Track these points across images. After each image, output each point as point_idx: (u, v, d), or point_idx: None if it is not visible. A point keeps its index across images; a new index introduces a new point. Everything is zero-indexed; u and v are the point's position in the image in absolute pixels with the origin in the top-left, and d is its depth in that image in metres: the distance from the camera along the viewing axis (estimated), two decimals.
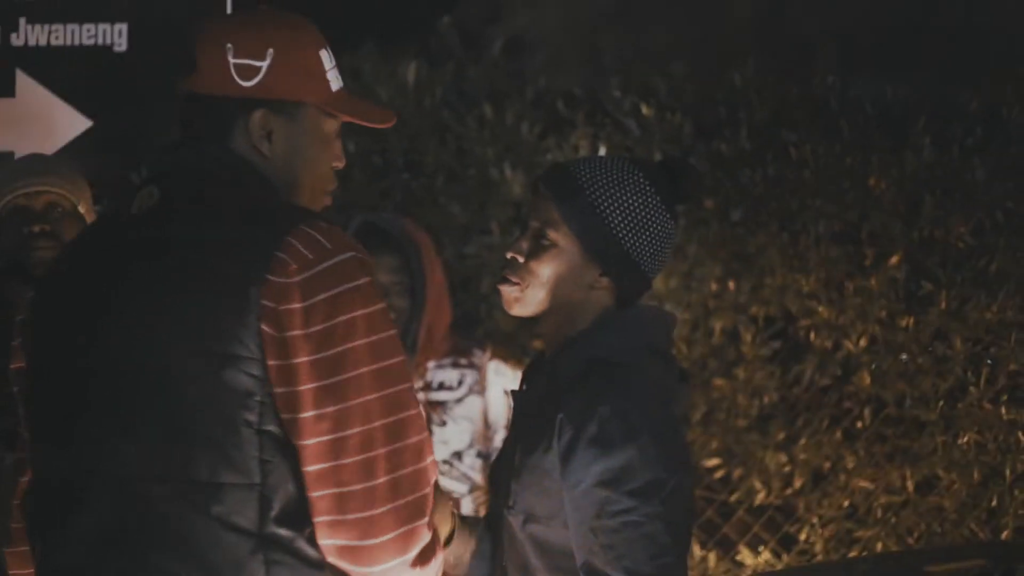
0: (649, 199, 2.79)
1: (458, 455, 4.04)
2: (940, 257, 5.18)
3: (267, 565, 2.51)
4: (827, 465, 5.18)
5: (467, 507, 4.09)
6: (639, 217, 2.77)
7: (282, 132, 2.68)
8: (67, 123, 4.55)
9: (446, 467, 4.03)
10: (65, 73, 4.56)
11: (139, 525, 2.54)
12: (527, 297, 2.81)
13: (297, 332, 2.49)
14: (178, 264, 2.56)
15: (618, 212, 2.77)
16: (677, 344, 5.08)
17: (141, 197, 2.64)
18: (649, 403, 2.72)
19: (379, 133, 5.10)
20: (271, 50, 2.66)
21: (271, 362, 2.50)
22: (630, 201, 2.77)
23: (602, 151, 5.15)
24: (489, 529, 2.92)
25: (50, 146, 4.55)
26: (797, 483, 5.18)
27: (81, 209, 3.83)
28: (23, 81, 4.54)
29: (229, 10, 4.35)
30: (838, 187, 5.16)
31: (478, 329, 4.89)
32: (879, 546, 5.15)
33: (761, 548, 5.22)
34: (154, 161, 2.72)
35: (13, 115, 4.53)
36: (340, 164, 2.77)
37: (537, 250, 2.80)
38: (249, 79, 2.66)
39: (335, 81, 2.73)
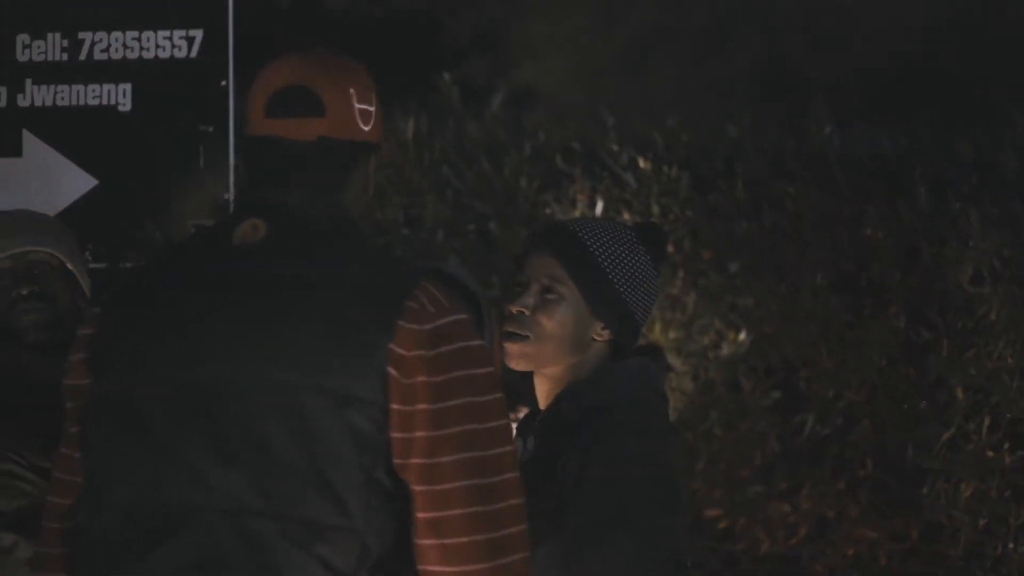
0: (641, 256, 2.91)
1: None
2: (938, 305, 5.22)
3: None
4: (831, 514, 5.20)
5: None
6: (635, 273, 2.89)
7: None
8: (72, 182, 4.59)
9: None
10: (70, 133, 4.61)
11: (237, 559, 2.48)
12: (536, 351, 2.87)
13: (422, 379, 2.51)
14: (300, 302, 2.54)
15: (618, 268, 2.88)
16: (676, 394, 5.11)
17: (244, 229, 2.61)
18: (646, 447, 2.78)
19: (379, 189, 5.15)
20: (374, 95, 2.70)
21: (394, 406, 2.50)
22: (628, 258, 2.90)
23: (600, 205, 5.19)
24: None
25: (56, 204, 4.58)
26: (801, 532, 5.20)
27: (69, 266, 3.70)
28: (29, 141, 4.58)
29: (232, 70, 4.39)
30: (835, 237, 5.20)
31: None
32: None
33: None
34: (254, 196, 2.67)
35: (20, 174, 4.56)
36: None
37: (544, 304, 2.87)
38: (367, 124, 2.68)
39: None
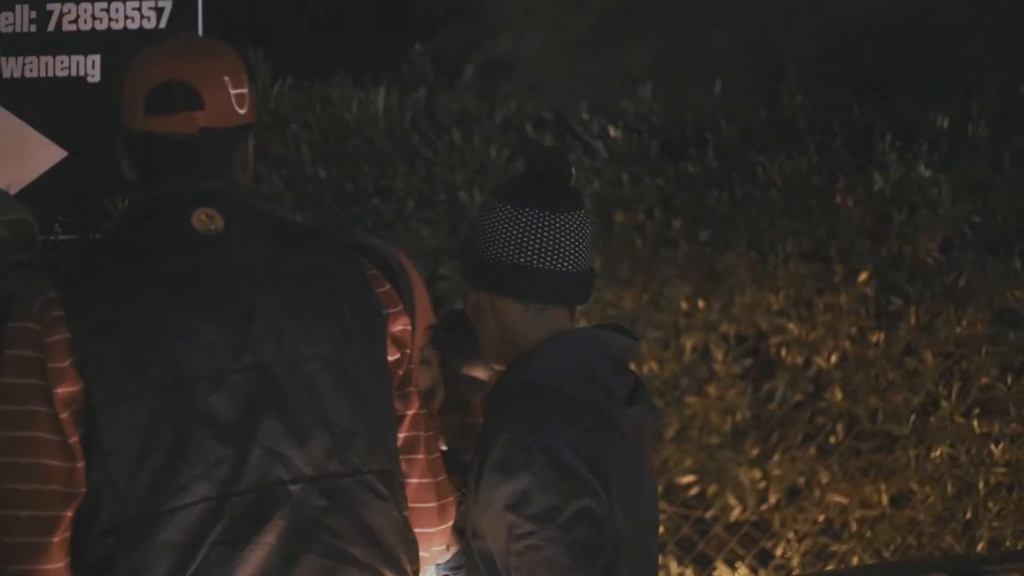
0: (496, 211, 2.86)
1: None
2: (909, 273, 5.23)
3: (411, 545, 2.77)
4: (801, 480, 5.22)
5: None
6: (483, 228, 2.86)
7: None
8: (42, 153, 4.60)
9: None
10: (39, 104, 4.61)
11: (329, 516, 2.66)
12: (487, 352, 2.95)
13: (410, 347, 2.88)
14: (298, 284, 2.73)
15: (472, 233, 2.91)
16: (648, 363, 5.13)
17: (200, 218, 2.72)
18: (552, 432, 2.76)
19: (349, 160, 5.15)
20: (246, 76, 2.83)
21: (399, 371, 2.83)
22: (480, 222, 2.89)
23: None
24: None
25: (26, 176, 4.59)
26: (772, 499, 5.22)
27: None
28: None
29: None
30: (806, 206, 5.21)
31: None
32: (855, 560, 5.19)
33: (738, 564, 5.25)
34: (181, 185, 2.76)
35: None
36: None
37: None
38: (243, 107, 2.81)
39: None
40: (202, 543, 2.59)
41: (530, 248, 2.83)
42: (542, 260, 2.84)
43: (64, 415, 2.61)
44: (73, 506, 2.60)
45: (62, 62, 4.65)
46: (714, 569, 5.28)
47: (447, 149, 5.17)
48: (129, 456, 2.59)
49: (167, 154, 2.76)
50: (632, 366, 2.97)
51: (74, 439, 2.61)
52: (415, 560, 2.81)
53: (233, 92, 2.78)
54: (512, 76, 6.54)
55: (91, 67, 4.65)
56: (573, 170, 2.99)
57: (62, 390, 2.61)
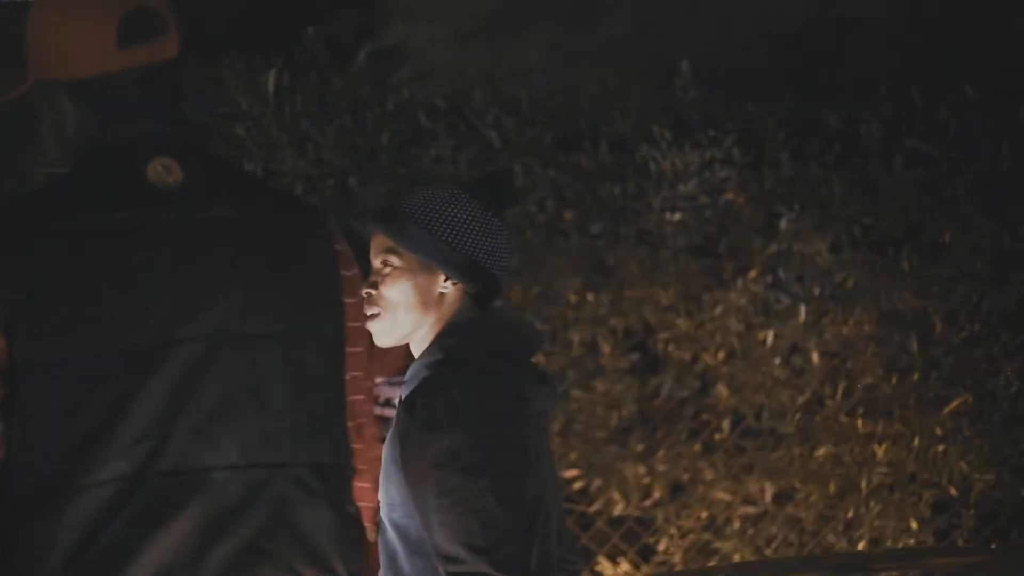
0: (465, 205, 3.01)
1: None
2: (798, 271, 5.25)
3: (351, 545, 2.62)
4: (686, 477, 5.22)
5: None
6: (459, 222, 2.99)
7: None
8: None
9: None
10: None
11: (253, 511, 2.51)
12: (389, 324, 2.97)
13: (354, 324, 2.71)
14: (258, 251, 2.54)
15: (440, 221, 2.98)
16: (536, 356, 5.08)
17: (156, 169, 2.53)
18: (477, 392, 2.86)
19: (238, 142, 5.08)
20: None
21: (348, 349, 2.67)
22: (448, 210, 2.99)
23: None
24: None
25: None
26: (656, 494, 5.22)
27: None
28: None
29: None
30: (697, 201, 5.20)
31: None
32: (737, 557, 5.19)
33: (620, 559, 5.24)
34: (141, 130, 2.55)
35: None
36: None
37: (384, 279, 2.98)
38: (179, 35, 2.62)
39: None
40: (109, 524, 2.44)
41: (502, 257, 3.03)
42: (498, 266, 3.04)
43: None
44: None
45: None
46: (596, 564, 5.26)
47: (337, 134, 5.11)
48: (48, 424, 2.43)
49: (121, 95, 2.54)
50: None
51: None
52: (356, 559, 2.66)
53: (175, 19, 2.60)
54: (405, 63, 6.48)
55: None
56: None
57: None
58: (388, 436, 2.93)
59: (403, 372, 3.99)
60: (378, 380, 4.00)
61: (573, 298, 5.14)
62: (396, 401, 3.95)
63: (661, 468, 5.19)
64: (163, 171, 2.54)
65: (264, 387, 2.52)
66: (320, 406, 2.60)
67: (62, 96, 2.58)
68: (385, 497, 2.88)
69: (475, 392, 2.85)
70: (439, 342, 2.97)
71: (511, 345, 2.98)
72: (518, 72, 5.84)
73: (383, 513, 2.90)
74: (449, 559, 2.78)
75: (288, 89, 5.17)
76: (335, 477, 2.62)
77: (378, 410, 3.96)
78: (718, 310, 5.20)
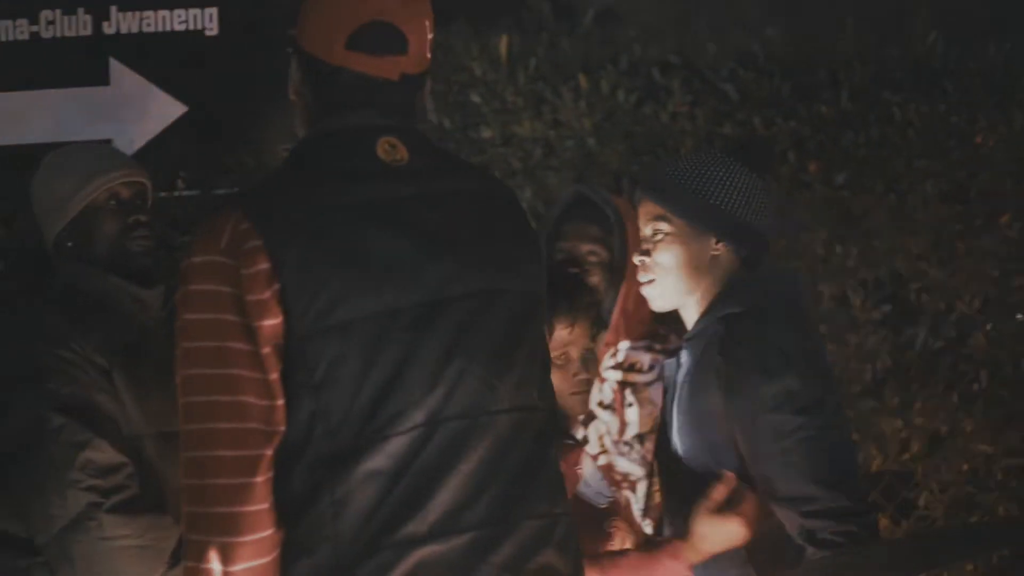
0: (732, 168, 3.18)
1: (639, 438, 3.96)
2: None
3: (562, 485, 2.73)
4: (944, 429, 5.08)
5: (642, 490, 4.02)
6: (728, 184, 3.15)
7: None
8: (161, 109, 4.55)
9: (626, 448, 3.95)
10: (158, 59, 4.56)
11: (513, 455, 2.63)
12: (664, 289, 3.17)
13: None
14: (486, 216, 2.69)
15: (709, 184, 3.15)
16: None
17: (384, 147, 2.65)
18: (797, 338, 3.07)
19: (474, 108, 5.07)
20: (433, 19, 2.76)
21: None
22: (717, 172, 3.16)
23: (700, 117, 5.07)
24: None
25: (146, 132, 4.55)
26: (914, 448, 5.08)
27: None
28: (116, 69, 4.54)
29: None
30: (944, 146, 5.07)
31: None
32: (1001, 510, 5.04)
33: (879, 514, 5.11)
34: (364, 117, 2.67)
35: (108, 103, 4.53)
36: None
37: (656, 245, 3.17)
38: (430, 51, 2.75)
39: None
40: (407, 470, 2.55)
41: (767, 217, 3.22)
42: (765, 224, 3.23)
43: (266, 350, 2.51)
44: (272, 445, 2.53)
45: (179, 16, 4.60)
46: None
47: (573, 95, 5.07)
48: (345, 387, 2.53)
49: (358, 91, 2.68)
50: None
51: (274, 375, 2.52)
52: (567, 498, 2.78)
53: (429, 36, 2.72)
54: (631, 21, 6.40)
55: (209, 20, 4.60)
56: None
57: (263, 323, 2.52)
58: (680, 391, 3.12)
59: (646, 337, 3.94)
60: (622, 345, 3.94)
61: (820, 251, 5.03)
62: (641, 365, 3.90)
63: (918, 421, 5.05)
64: (391, 149, 2.66)
65: (516, 336, 2.67)
66: (548, 357, 2.78)
67: (301, 63, 2.71)
68: (689, 456, 3.10)
69: (795, 337, 3.04)
70: (731, 297, 3.12)
71: (792, 295, 3.18)
72: (748, 25, 5.74)
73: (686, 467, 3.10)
74: (802, 499, 2.92)
75: (520, 53, 5.15)
76: (548, 418, 2.74)
77: (624, 375, 3.91)
78: (971, 257, 5.04)
